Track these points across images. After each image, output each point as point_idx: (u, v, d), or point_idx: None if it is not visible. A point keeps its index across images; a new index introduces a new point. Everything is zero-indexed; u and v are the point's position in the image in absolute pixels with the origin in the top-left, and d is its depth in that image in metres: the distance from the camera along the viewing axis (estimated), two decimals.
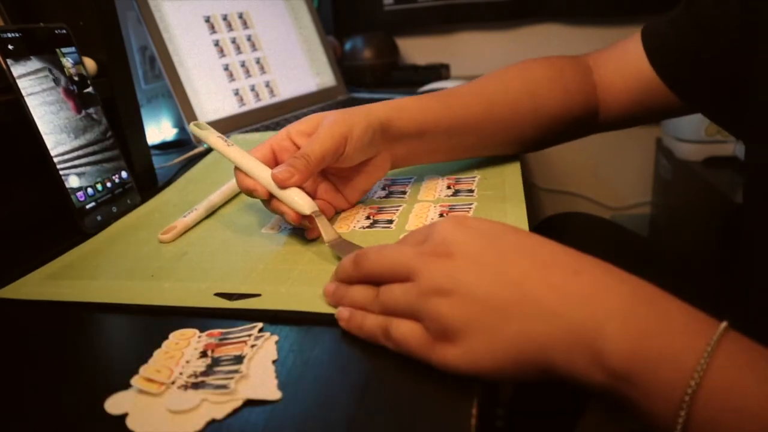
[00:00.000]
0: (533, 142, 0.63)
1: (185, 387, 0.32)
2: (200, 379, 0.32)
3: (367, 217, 0.53)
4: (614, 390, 0.28)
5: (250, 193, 0.47)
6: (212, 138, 0.51)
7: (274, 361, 0.34)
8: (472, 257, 0.32)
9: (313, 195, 0.51)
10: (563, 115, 0.61)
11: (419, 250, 0.33)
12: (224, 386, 0.31)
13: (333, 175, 0.53)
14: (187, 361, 0.34)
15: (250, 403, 0.30)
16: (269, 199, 0.47)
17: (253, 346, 0.35)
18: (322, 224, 0.46)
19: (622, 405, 0.29)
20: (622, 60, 0.61)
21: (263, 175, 0.47)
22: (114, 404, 0.31)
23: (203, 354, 0.34)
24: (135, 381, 0.32)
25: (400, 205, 0.55)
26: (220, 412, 0.30)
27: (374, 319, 0.34)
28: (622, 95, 0.61)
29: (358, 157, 0.51)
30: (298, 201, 0.46)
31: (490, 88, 0.60)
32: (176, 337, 0.36)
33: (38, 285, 0.45)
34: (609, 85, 0.62)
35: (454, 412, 0.29)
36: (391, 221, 0.51)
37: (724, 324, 0.28)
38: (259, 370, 0.33)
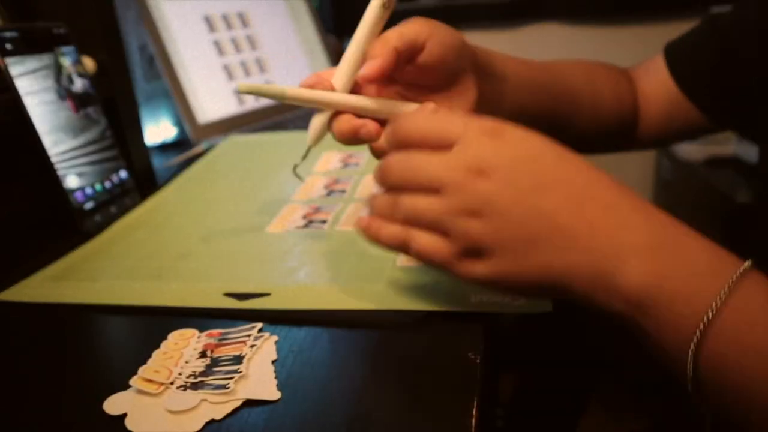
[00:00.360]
0: (591, 133, 0.59)
1: (184, 387, 0.31)
2: (199, 379, 0.32)
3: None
4: (630, 318, 0.29)
5: (357, 131, 0.39)
6: (289, 91, 0.39)
7: (273, 361, 0.33)
8: (508, 180, 0.31)
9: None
10: (616, 124, 0.59)
11: (449, 163, 0.31)
12: (224, 386, 0.31)
13: (414, 91, 0.43)
14: (186, 362, 0.33)
15: (249, 403, 0.30)
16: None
17: (252, 346, 0.35)
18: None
19: (637, 333, 0.30)
20: (654, 80, 0.61)
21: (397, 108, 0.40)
22: (113, 404, 0.31)
23: (202, 354, 0.34)
24: (134, 381, 0.32)
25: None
26: (219, 412, 0.30)
27: (391, 229, 0.33)
28: (658, 109, 0.60)
29: (442, 62, 0.42)
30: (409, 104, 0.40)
31: (556, 67, 0.57)
32: (175, 337, 0.36)
33: (40, 287, 0.45)
34: (648, 97, 0.61)
35: (454, 412, 0.29)
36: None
37: (747, 263, 0.29)
38: (259, 370, 0.33)
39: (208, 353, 0.34)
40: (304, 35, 1.10)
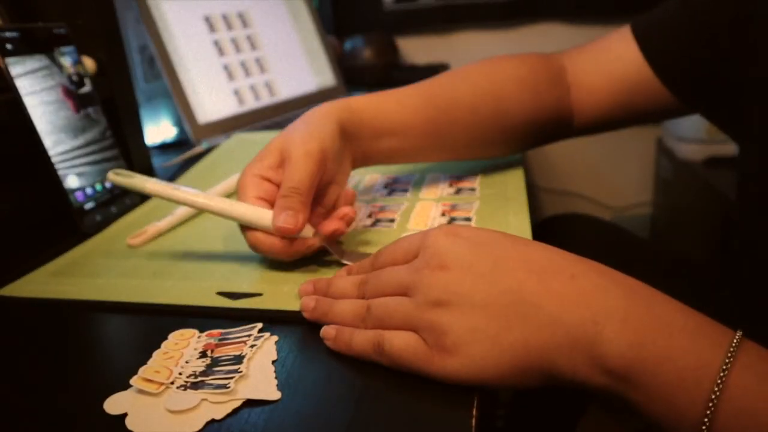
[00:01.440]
0: (500, 147, 0.59)
1: (185, 387, 0.31)
2: (200, 379, 0.32)
3: (369, 215, 0.53)
4: (617, 392, 0.28)
5: (281, 252, 0.42)
6: (150, 184, 0.43)
7: (273, 362, 0.34)
8: (467, 267, 0.31)
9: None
10: (532, 119, 0.57)
11: (413, 266, 0.33)
12: (224, 386, 0.31)
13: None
14: (187, 362, 0.33)
15: (249, 403, 0.30)
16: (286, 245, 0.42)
17: (252, 346, 0.35)
18: (331, 248, 0.44)
19: (627, 407, 0.29)
20: (603, 58, 0.58)
21: (265, 217, 0.42)
22: (113, 404, 0.31)
23: (203, 354, 0.34)
24: (134, 381, 0.32)
25: (402, 204, 0.55)
26: (219, 412, 0.30)
27: (364, 334, 0.33)
28: (602, 96, 0.58)
29: (335, 168, 0.46)
30: (308, 232, 0.43)
31: (451, 88, 0.56)
32: (175, 337, 0.36)
33: (42, 283, 0.45)
34: (588, 86, 0.58)
35: (454, 412, 0.29)
36: (392, 220, 0.51)
37: (739, 333, 0.28)
38: (259, 370, 0.33)
39: (209, 353, 0.34)
40: (304, 35, 1.10)
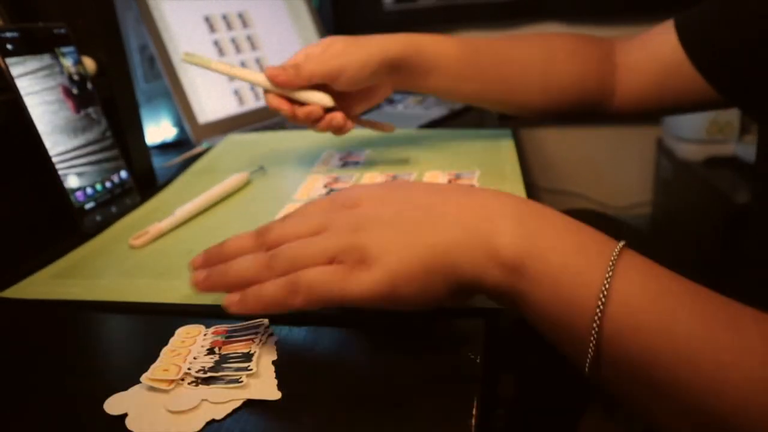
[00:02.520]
0: (540, 109, 0.64)
1: (196, 383, 0.31)
2: (209, 374, 0.32)
3: None
4: (510, 285, 0.31)
5: (277, 107, 0.56)
6: (213, 64, 0.57)
7: (273, 362, 0.34)
8: (378, 200, 0.34)
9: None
10: (574, 87, 0.62)
11: (325, 212, 0.35)
12: (237, 380, 0.31)
13: (334, 90, 0.58)
14: (195, 358, 0.33)
15: (249, 403, 0.30)
16: (292, 108, 0.57)
17: (260, 342, 0.35)
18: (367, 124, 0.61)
19: (517, 303, 0.31)
20: (648, 45, 0.62)
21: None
22: (113, 405, 0.31)
23: (210, 351, 0.34)
24: (144, 378, 0.32)
25: None
26: (219, 412, 0.30)
27: (274, 283, 0.32)
28: (643, 77, 0.61)
29: (355, 87, 0.57)
30: (318, 95, 0.56)
31: (507, 45, 0.63)
32: (182, 335, 0.36)
33: (44, 284, 0.45)
34: (632, 68, 0.62)
35: (454, 412, 0.29)
36: None
37: (621, 242, 0.30)
38: (261, 370, 0.33)
39: (217, 350, 0.34)
40: (304, 35, 1.10)
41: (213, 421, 0.29)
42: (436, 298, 0.32)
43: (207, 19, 0.92)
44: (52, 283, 0.46)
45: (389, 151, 0.70)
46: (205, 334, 0.36)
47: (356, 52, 0.55)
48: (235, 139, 0.81)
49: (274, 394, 0.31)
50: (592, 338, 0.28)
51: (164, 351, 0.34)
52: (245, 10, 0.99)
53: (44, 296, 0.43)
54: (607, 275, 0.29)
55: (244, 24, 0.98)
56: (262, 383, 0.32)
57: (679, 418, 0.28)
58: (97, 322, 0.41)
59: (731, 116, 1.22)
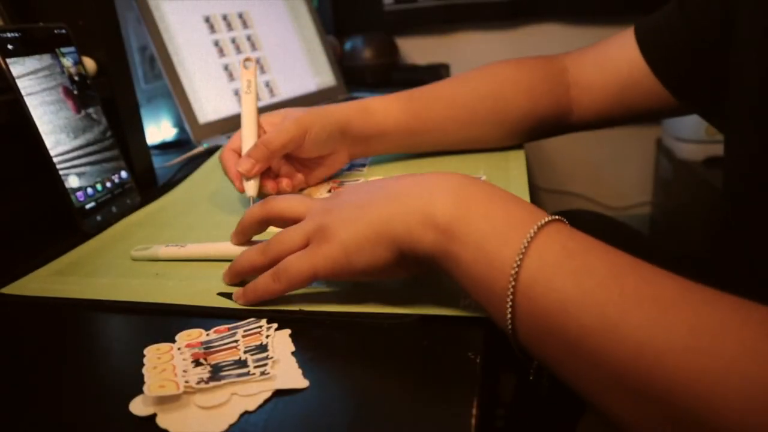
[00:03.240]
0: (498, 141, 0.66)
1: (204, 381, 0.32)
2: (222, 373, 0.32)
3: None
4: (442, 246, 0.33)
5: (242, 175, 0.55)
6: (161, 251, 0.48)
7: (292, 353, 0.34)
8: (353, 189, 0.39)
9: (276, 174, 0.58)
10: (527, 116, 0.63)
11: (309, 205, 0.40)
12: (264, 372, 0.32)
13: (297, 161, 0.60)
14: (185, 371, 0.33)
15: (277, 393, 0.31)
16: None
17: (267, 336, 0.35)
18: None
19: (448, 267, 0.34)
20: (603, 58, 0.62)
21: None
22: (139, 405, 0.30)
23: (197, 363, 0.34)
24: (148, 390, 0.31)
25: None
26: (251, 403, 0.30)
27: (263, 275, 0.38)
28: (599, 93, 0.62)
29: (315, 151, 0.58)
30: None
31: (452, 90, 0.64)
32: (153, 352, 0.35)
33: (45, 282, 0.46)
34: (586, 84, 0.63)
35: (454, 412, 0.29)
36: None
37: (554, 216, 0.32)
38: (283, 361, 0.33)
39: (203, 361, 0.34)
40: (304, 35, 1.10)
41: (246, 413, 0.30)
42: (387, 266, 0.36)
43: (207, 19, 0.92)
44: (51, 280, 0.46)
45: (396, 155, 0.70)
46: (179, 348, 0.35)
47: (314, 116, 0.57)
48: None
49: (302, 383, 0.31)
50: (509, 293, 0.30)
51: (146, 369, 0.33)
52: (245, 11, 0.99)
53: (43, 293, 0.44)
54: (528, 236, 0.31)
55: (245, 24, 0.98)
56: (288, 373, 0.32)
57: (590, 370, 0.28)
58: (97, 321, 0.41)
59: None
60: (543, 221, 0.31)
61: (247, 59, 0.58)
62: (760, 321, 0.26)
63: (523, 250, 0.30)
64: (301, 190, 0.60)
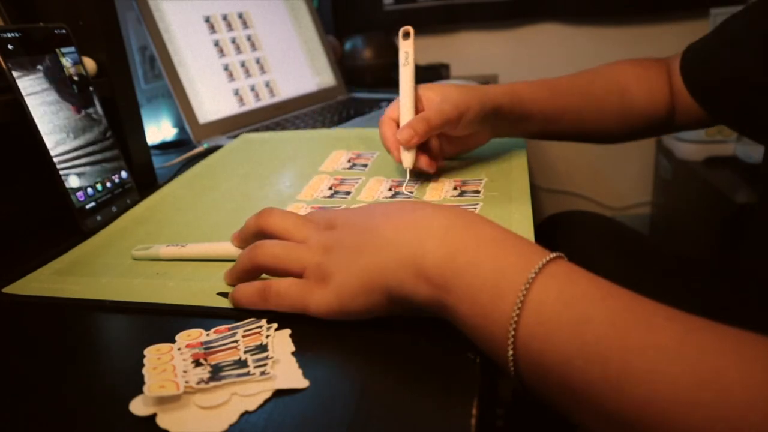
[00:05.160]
0: (617, 135, 0.70)
1: (204, 381, 0.31)
2: (222, 374, 0.32)
3: None
4: (438, 299, 0.33)
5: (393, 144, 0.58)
6: (162, 250, 0.48)
7: (292, 353, 0.34)
8: (349, 225, 0.38)
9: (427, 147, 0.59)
10: (649, 110, 0.67)
11: (307, 228, 0.40)
12: (264, 372, 0.32)
13: (444, 136, 0.60)
14: (185, 371, 0.33)
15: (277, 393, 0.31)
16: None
17: (267, 336, 0.35)
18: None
19: (448, 317, 0.33)
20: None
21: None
22: (138, 405, 0.30)
23: (197, 363, 0.34)
24: (148, 390, 0.31)
25: None
26: (252, 403, 0.30)
27: (252, 285, 0.39)
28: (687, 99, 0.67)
29: (467, 131, 0.60)
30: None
31: (585, 83, 0.68)
32: (153, 352, 0.35)
33: (46, 281, 0.46)
34: (680, 90, 0.67)
35: (454, 412, 0.29)
36: None
37: (554, 254, 0.31)
38: (283, 361, 0.33)
39: (203, 361, 0.34)
40: (304, 35, 1.11)
41: (246, 413, 0.30)
42: (381, 310, 0.36)
43: (207, 20, 0.92)
44: (52, 280, 0.46)
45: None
46: (179, 349, 0.35)
47: (472, 99, 0.58)
48: (250, 137, 0.81)
49: (302, 383, 0.31)
50: (509, 347, 0.30)
51: (146, 369, 0.33)
52: (245, 11, 0.99)
53: (44, 293, 0.44)
54: (524, 287, 0.30)
55: (245, 24, 0.98)
56: (288, 373, 0.32)
57: (598, 419, 0.28)
58: (99, 320, 0.41)
59: None
60: (536, 268, 0.30)
61: (406, 31, 0.60)
62: (764, 359, 0.25)
63: (519, 306, 0.30)
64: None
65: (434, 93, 0.59)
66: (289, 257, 0.38)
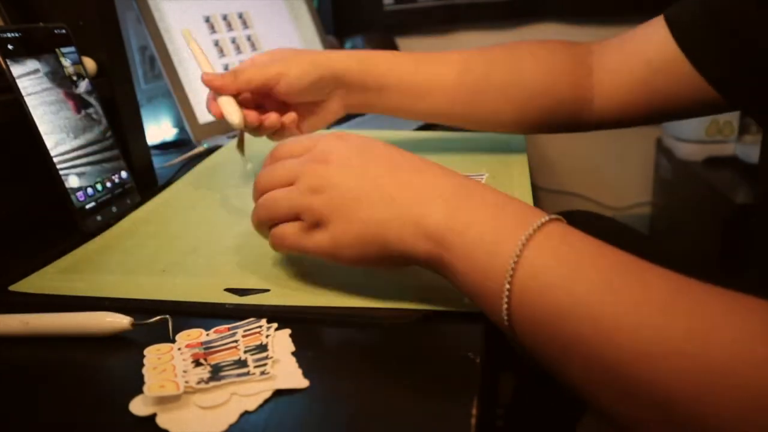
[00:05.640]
0: (510, 121, 0.61)
1: (205, 381, 0.31)
2: (222, 373, 0.32)
3: None
4: (436, 256, 0.34)
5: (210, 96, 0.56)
6: (192, 44, 0.58)
7: (292, 353, 0.34)
8: (343, 161, 0.37)
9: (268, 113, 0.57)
10: (544, 93, 0.59)
11: (302, 159, 0.39)
12: (264, 372, 0.32)
13: (289, 105, 0.58)
14: (185, 371, 0.33)
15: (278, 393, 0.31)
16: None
17: (267, 336, 0.35)
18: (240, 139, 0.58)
19: (450, 276, 0.34)
20: (631, 43, 0.58)
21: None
22: (139, 405, 0.30)
23: (197, 363, 0.34)
24: (148, 390, 0.31)
25: None
26: (251, 403, 0.30)
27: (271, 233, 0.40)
28: (625, 79, 0.57)
29: (298, 96, 0.57)
30: (230, 108, 0.54)
31: (466, 56, 0.59)
32: (153, 352, 0.35)
33: (52, 279, 0.46)
34: (611, 67, 0.58)
35: (454, 412, 0.29)
36: None
37: (551, 215, 0.32)
38: (283, 361, 0.33)
39: (203, 361, 0.34)
40: (304, 35, 1.10)
41: (246, 413, 0.30)
42: (374, 262, 0.37)
43: (207, 20, 0.92)
44: (59, 277, 0.46)
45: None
46: (179, 349, 0.35)
47: (300, 60, 0.55)
48: (250, 137, 0.81)
49: (302, 383, 0.31)
50: (504, 301, 0.31)
51: (146, 369, 0.33)
52: (245, 11, 0.99)
53: (52, 291, 0.44)
54: (520, 244, 0.31)
55: (245, 24, 0.98)
56: (288, 373, 0.32)
57: (586, 373, 0.29)
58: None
59: (731, 116, 1.22)
60: (533, 227, 0.31)
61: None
62: (754, 317, 0.26)
63: (515, 261, 0.30)
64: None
65: (266, 55, 0.58)
66: (279, 208, 0.39)
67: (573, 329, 0.28)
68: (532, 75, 0.58)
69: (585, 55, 0.60)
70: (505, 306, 0.31)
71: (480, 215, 0.33)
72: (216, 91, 0.55)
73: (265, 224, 0.40)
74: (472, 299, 0.34)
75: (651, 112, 0.58)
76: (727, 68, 0.52)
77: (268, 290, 0.41)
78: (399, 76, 0.58)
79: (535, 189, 1.62)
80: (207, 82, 0.55)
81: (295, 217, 0.38)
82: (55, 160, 0.53)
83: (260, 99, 0.58)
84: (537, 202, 1.73)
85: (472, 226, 0.33)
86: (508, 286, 0.30)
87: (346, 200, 0.36)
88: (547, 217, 0.32)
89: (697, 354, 0.25)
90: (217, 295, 0.41)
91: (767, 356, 0.24)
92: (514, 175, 0.60)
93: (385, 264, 0.37)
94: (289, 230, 0.38)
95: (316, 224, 0.37)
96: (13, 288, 0.45)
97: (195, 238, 0.52)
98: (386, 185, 0.36)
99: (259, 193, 0.41)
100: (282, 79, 0.55)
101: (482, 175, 0.59)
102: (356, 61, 0.57)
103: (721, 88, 0.53)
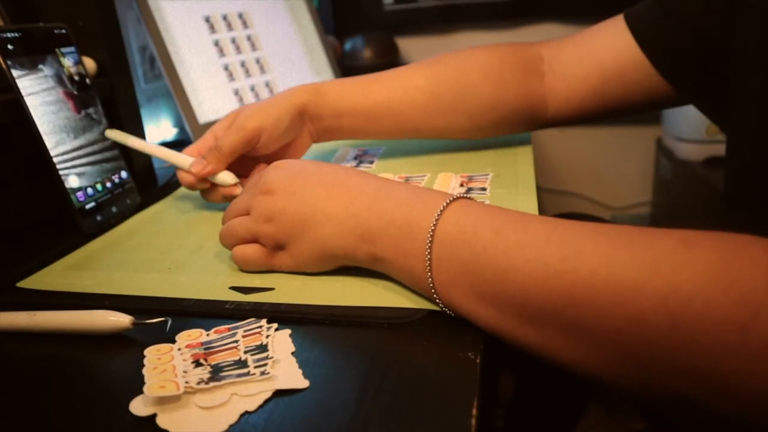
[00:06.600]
0: (464, 131, 0.63)
1: (205, 381, 0.31)
2: (222, 374, 0.32)
3: None
4: (373, 254, 0.39)
5: (191, 186, 0.56)
6: (130, 140, 0.58)
7: (292, 353, 0.34)
8: (284, 189, 0.42)
9: (245, 176, 0.58)
10: (495, 105, 0.61)
11: (251, 193, 0.44)
12: (264, 372, 0.32)
13: (262, 156, 0.59)
14: (185, 371, 0.33)
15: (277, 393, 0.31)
16: (206, 190, 0.57)
17: (267, 336, 0.35)
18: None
19: (383, 268, 0.39)
20: (585, 46, 0.60)
21: (184, 162, 0.56)
22: (139, 406, 0.30)
23: (197, 363, 0.34)
24: (148, 390, 0.31)
25: None
26: (252, 404, 0.30)
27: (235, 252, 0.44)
28: (580, 84, 0.59)
29: (277, 143, 0.58)
30: (223, 177, 0.55)
31: (415, 74, 0.61)
32: (153, 353, 0.35)
33: (60, 276, 0.46)
34: (564, 73, 0.60)
35: (454, 412, 0.29)
36: None
37: (452, 197, 0.37)
38: (283, 361, 0.33)
39: (203, 361, 0.34)
40: (304, 35, 1.10)
41: (246, 413, 0.30)
42: (333, 267, 0.42)
43: (207, 19, 0.92)
44: (66, 274, 0.47)
45: (405, 151, 0.70)
46: (179, 349, 0.35)
47: (268, 110, 0.56)
48: None
49: (302, 383, 0.31)
50: (428, 277, 0.36)
51: (146, 370, 0.33)
52: (245, 11, 0.99)
53: (59, 287, 0.44)
54: (432, 225, 0.36)
55: (245, 24, 0.98)
56: (288, 373, 0.32)
57: (500, 313, 0.33)
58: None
59: None
60: (440, 209, 0.36)
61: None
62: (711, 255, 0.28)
63: (430, 240, 0.35)
64: None
65: (227, 120, 0.58)
66: (238, 234, 0.44)
67: (480, 279, 0.33)
68: (481, 89, 0.60)
69: (536, 62, 0.61)
70: (429, 280, 0.36)
71: (398, 210, 0.38)
72: (209, 175, 0.55)
73: (231, 247, 0.45)
74: (406, 283, 0.39)
75: (605, 113, 0.61)
76: (685, 65, 0.53)
77: (272, 289, 0.41)
78: (351, 103, 0.60)
79: (536, 189, 1.63)
80: (198, 174, 0.55)
81: (254, 240, 0.43)
82: (55, 160, 0.53)
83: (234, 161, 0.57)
84: (538, 201, 1.73)
85: (394, 221, 0.38)
86: (428, 262, 0.35)
87: (296, 224, 0.41)
88: (451, 198, 0.37)
89: (567, 271, 0.30)
90: (222, 294, 0.41)
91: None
92: (518, 171, 0.60)
93: (343, 265, 0.42)
94: (252, 253, 0.43)
95: (278, 246, 0.42)
96: (21, 284, 0.45)
97: (200, 236, 0.52)
98: (323, 205, 0.40)
99: (223, 221, 0.46)
100: (263, 134, 0.56)
101: (487, 175, 0.59)
102: (311, 93, 0.59)
103: (677, 85, 0.55)
